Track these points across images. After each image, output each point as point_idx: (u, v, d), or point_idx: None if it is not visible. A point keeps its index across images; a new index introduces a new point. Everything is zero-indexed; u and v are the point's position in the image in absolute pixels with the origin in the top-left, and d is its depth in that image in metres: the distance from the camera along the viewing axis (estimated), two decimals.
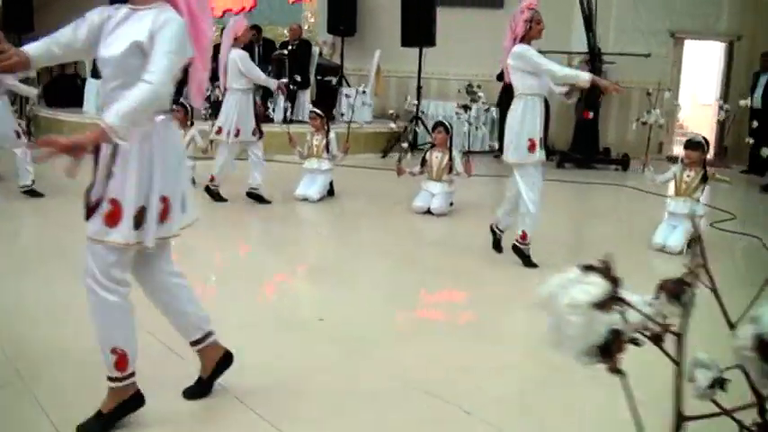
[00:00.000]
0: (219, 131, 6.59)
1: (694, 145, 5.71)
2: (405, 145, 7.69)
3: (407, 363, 3.30)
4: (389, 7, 12.40)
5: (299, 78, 10.01)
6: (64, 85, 11.51)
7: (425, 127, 10.86)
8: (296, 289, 4.71)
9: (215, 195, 6.68)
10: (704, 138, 5.85)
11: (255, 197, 6.74)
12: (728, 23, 12.33)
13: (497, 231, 5.31)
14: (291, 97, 10.32)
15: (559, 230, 6.35)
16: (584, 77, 4.77)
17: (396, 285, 4.74)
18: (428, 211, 6.58)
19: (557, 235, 6.03)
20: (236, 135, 6.54)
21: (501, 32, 11.77)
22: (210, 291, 4.36)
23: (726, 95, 11.67)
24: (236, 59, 6.38)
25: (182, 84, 9.22)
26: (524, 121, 4.80)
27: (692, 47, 12.65)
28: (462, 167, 6.63)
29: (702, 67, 14.22)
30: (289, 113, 10.20)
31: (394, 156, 10.33)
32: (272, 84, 7.03)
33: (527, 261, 4.97)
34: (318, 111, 7.25)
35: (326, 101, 10.48)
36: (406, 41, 10.90)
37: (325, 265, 5.26)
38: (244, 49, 6.60)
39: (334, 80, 11.29)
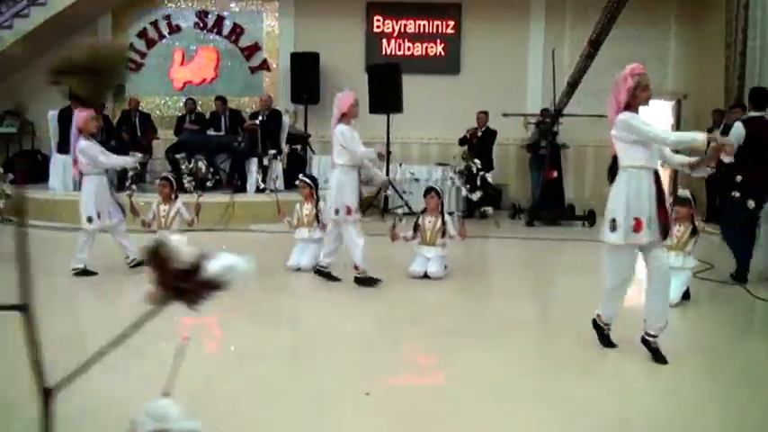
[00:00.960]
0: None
1: (683, 201, 6.00)
2: (399, 211, 7.79)
3: None
4: (352, 75, 12.71)
5: (273, 151, 10.13)
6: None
7: (396, 191, 11.07)
8: (328, 362, 4.66)
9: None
10: (691, 194, 6.14)
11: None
12: (674, 83, 13.04)
13: (603, 325, 4.67)
14: (263, 167, 10.40)
15: (555, 286, 6.53)
16: (701, 138, 4.23)
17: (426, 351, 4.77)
18: (425, 276, 6.66)
19: (553, 291, 6.19)
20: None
21: (458, 97, 12.49)
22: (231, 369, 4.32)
23: (676, 151, 12.20)
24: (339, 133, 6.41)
25: (174, 157, 9.21)
26: (619, 197, 4.35)
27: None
28: (457, 231, 6.77)
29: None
30: (260, 183, 10.27)
31: (367, 220, 10.51)
32: None
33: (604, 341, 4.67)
34: (308, 180, 7.31)
35: (297, 169, 10.60)
36: (374, 109, 11.13)
37: (354, 334, 5.23)
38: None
39: (299, 148, 11.46)
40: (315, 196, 7.24)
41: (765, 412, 3.71)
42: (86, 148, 6.58)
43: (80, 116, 6.67)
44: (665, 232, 4.33)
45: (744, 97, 10.68)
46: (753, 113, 7.05)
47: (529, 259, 8.19)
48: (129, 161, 7.32)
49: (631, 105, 4.26)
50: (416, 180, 11.12)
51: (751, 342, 5.23)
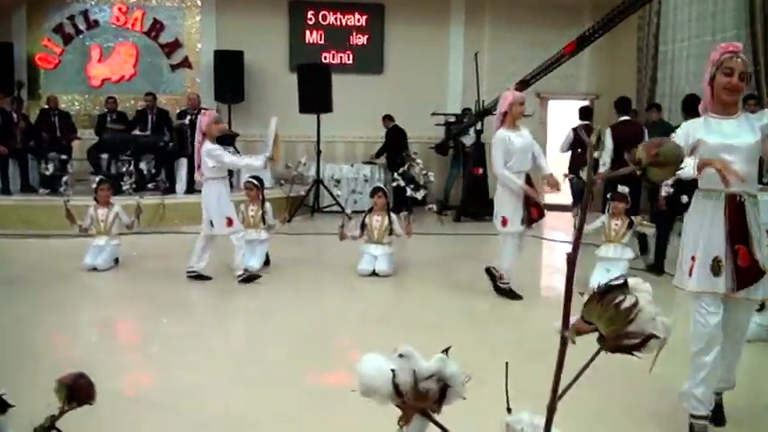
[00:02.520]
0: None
1: (620, 197, 6.39)
2: (348, 211, 7.86)
3: None
4: (277, 74, 12.69)
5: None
6: None
7: (327, 190, 11.14)
8: (277, 360, 4.70)
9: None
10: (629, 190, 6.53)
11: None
12: (587, 84, 13.64)
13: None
14: (193, 168, 10.24)
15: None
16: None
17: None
18: (373, 273, 6.79)
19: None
20: None
21: (381, 96, 12.63)
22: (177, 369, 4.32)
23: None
24: None
25: (96, 158, 8.98)
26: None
27: (555, 106, 13.77)
28: (402, 229, 6.93)
29: (564, 124, 15.43)
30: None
31: (299, 220, 10.55)
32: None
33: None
34: (255, 181, 7.29)
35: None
36: (304, 108, 11.16)
37: (310, 332, 5.27)
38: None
39: (230, 148, 11.31)
40: (261, 197, 7.23)
41: None
42: (213, 150, 6.37)
43: (203, 119, 6.46)
44: None
45: (655, 98, 11.32)
46: (622, 118, 8.21)
47: (466, 253, 8.44)
48: (257, 162, 6.91)
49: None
50: (338, 182, 11.25)
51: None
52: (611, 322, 0.66)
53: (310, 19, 13.13)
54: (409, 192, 6.84)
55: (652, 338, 0.66)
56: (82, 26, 12.46)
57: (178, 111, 11.24)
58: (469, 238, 9.43)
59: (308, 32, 13.15)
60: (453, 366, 0.71)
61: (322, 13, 13.15)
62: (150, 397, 3.64)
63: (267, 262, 7.21)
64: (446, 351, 0.72)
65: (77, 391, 0.99)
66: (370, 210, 7.09)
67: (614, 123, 8.33)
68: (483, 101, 11.52)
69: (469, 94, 12.35)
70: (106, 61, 12.52)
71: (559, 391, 0.63)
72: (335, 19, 13.21)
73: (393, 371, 0.70)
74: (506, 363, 0.83)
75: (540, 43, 12.96)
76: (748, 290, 3.12)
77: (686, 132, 3.19)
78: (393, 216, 7.02)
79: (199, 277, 6.54)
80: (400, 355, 0.69)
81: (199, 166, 6.53)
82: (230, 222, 6.47)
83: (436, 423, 0.69)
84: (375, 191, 7.11)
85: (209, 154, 6.36)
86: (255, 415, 3.50)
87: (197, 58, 12.87)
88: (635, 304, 0.65)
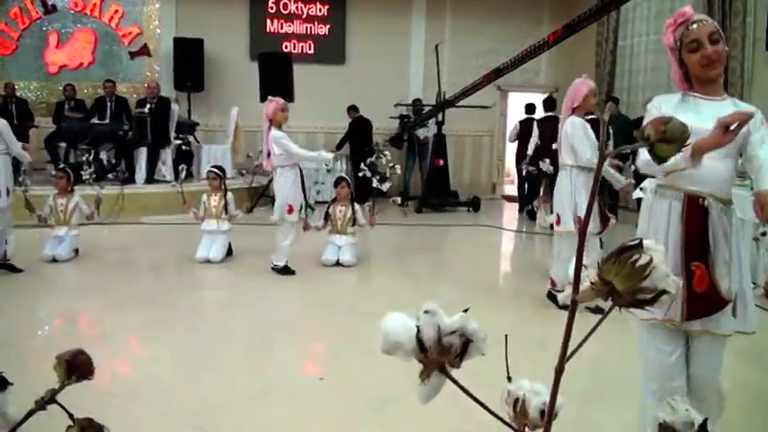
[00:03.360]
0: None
1: None
2: (311, 201, 7.87)
3: None
4: (237, 62, 12.60)
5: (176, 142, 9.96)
6: None
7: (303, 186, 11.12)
8: (243, 349, 4.72)
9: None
10: None
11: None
12: (546, 77, 13.83)
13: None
14: (153, 157, 10.15)
15: (458, 269, 6.87)
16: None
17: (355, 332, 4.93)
18: (337, 263, 6.83)
19: (461, 274, 6.54)
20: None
21: (343, 87, 12.63)
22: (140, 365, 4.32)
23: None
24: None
25: (55, 147, 8.83)
26: None
27: (515, 98, 13.93)
28: (366, 219, 6.98)
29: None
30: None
31: (261, 210, 10.51)
32: None
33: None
34: (218, 171, 7.25)
35: (185, 158, 10.44)
36: (266, 98, 11.07)
37: (284, 324, 5.29)
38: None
39: (190, 138, 11.23)
40: (223, 187, 7.20)
41: None
42: (280, 137, 6.28)
43: (270, 106, 6.36)
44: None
45: (613, 91, 11.53)
46: (547, 114, 9.66)
47: (428, 243, 8.54)
48: (325, 155, 6.89)
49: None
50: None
51: None
52: (627, 278, 0.71)
53: (271, 7, 13.07)
54: (375, 183, 6.87)
55: (664, 293, 0.71)
56: (40, 10, 12.19)
57: (137, 99, 11.10)
58: (431, 229, 9.53)
59: (269, 21, 13.09)
60: (474, 323, 0.76)
61: (283, 2, 13.10)
62: (116, 388, 3.62)
63: (230, 252, 7.19)
64: (466, 311, 0.76)
65: (77, 366, 1.02)
66: (334, 200, 7.12)
67: (540, 118, 9.79)
68: (444, 92, 11.59)
69: (431, 86, 12.43)
70: (64, 48, 12.30)
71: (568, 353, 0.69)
72: (297, 8, 13.18)
73: (418, 326, 0.74)
74: (506, 335, 0.89)
75: (501, 35, 13.14)
76: (705, 321, 2.41)
77: (659, 108, 2.57)
78: (356, 206, 7.06)
79: (285, 270, 6.48)
80: (425, 312, 0.75)
81: (268, 155, 6.43)
82: (290, 210, 6.42)
83: (453, 380, 0.75)
84: (338, 181, 7.13)
85: (277, 142, 6.30)
86: (225, 400, 3.52)
87: (156, 46, 12.72)
88: (650, 262, 0.71)
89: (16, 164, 7.81)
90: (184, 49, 12.01)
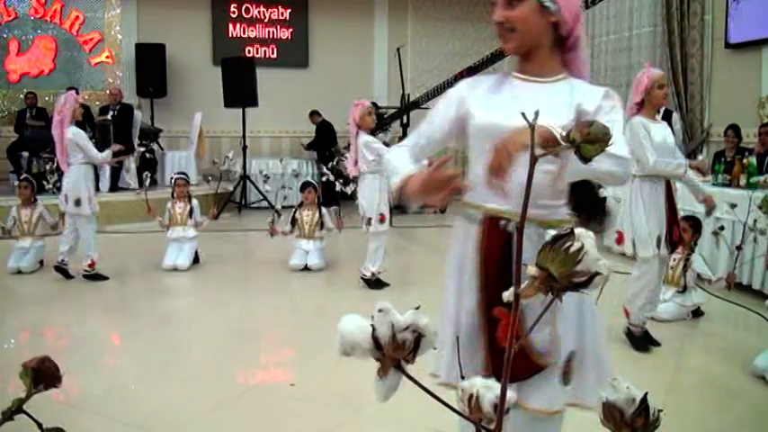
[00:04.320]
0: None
1: None
2: (278, 206, 7.87)
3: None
4: (200, 67, 12.53)
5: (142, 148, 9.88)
6: None
7: (255, 185, 11.10)
8: (210, 358, 4.71)
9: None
10: None
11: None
12: None
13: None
14: (118, 165, 10.06)
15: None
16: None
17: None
18: (305, 268, 6.85)
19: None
20: None
21: (307, 90, 12.63)
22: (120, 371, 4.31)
23: None
24: None
25: (17, 156, 8.68)
26: None
27: None
28: (334, 223, 7.01)
29: None
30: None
31: (227, 216, 10.48)
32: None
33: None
34: (185, 177, 7.23)
35: (149, 166, 10.38)
36: (229, 102, 11.08)
37: (251, 329, 5.29)
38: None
39: (154, 145, 11.16)
40: (188, 194, 7.18)
41: None
42: (371, 141, 6.03)
43: (356, 110, 6.07)
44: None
45: None
46: None
47: (396, 246, 8.58)
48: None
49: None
50: (267, 177, 11.23)
51: None
52: (562, 264, 0.74)
53: (233, 12, 13.02)
54: (339, 186, 6.90)
55: (597, 276, 0.75)
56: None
57: (100, 106, 10.99)
58: (400, 231, 9.55)
59: (231, 26, 13.05)
60: (425, 319, 0.79)
61: (245, 6, 13.06)
62: (82, 401, 3.61)
63: (197, 260, 7.17)
64: (417, 308, 0.79)
65: (44, 374, 1.02)
66: (301, 204, 7.14)
67: None
68: (408, 95, 11.66)
69: (395, 88, 12.49)
70: (24, 55, 12.11)
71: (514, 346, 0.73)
72: (259, 12, 13.15)
73: (372, 325, 0.78)
74: (457, 337, 0.91)
75: (463, 38, 13.26)
76: (519, 388, 1.77)
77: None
78: (324, 210, 7.09)
79: (377, 283, 6.23)
80: (379, 310, 0.78)
81: (355, 162, 6.16)
82: (383, 219, 6.15)
83: (408, 376, 0.78)
84: (305, 186, 7.15)
85: (368, 146, 6.01)
86: (192, 410, 3.53)
87: (118, 52, 12.57)
88: (581, 248, 0.75)
89: None
90: (146, 55, 11.92)
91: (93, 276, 6.40)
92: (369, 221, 6.09)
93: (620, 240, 4.59)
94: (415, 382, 0.78)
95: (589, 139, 0.84)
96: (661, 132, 4.35)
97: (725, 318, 5.42)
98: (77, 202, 6.31)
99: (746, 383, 3.99)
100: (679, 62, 9.57)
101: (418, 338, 0.79)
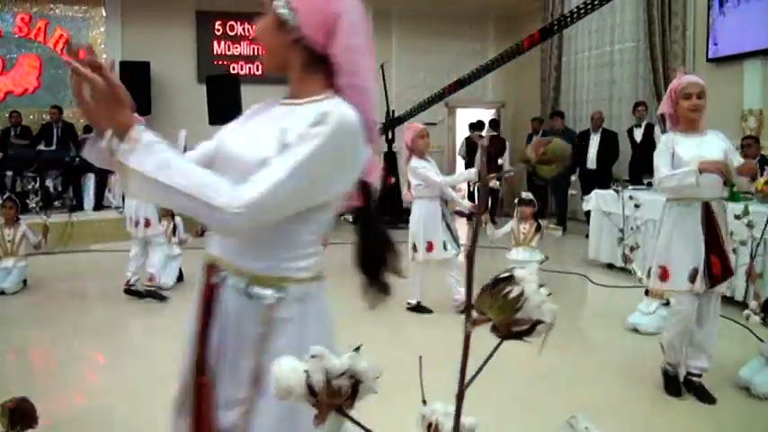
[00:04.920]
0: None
1: (527, 202, 6.63)
2: None
3: None
4: (184, 85, 12.53)
5: None
6: None
7: None
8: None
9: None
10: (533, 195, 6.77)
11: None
12: (494, 93, 14.04)
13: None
14: (101, 184, 10.05)
15: None
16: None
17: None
18: None
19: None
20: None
21: None
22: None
23: None
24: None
25: (0, 175, 8.59)
26: None
27: (463, 114, 14.11)
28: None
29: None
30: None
31: (211, 233, 10.41)
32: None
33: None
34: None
35: None
36: (214, 120, 11.06)
37: None
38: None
39: None
40: (170, 211, 7.14)
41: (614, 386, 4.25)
42: (417, 167, 5.77)
43: (408, 134, 5.82)
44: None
45: (558, 106, 11.77)
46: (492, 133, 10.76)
47: None
48: (465, 174, 6.57)
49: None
50: None
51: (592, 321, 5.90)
52: (501, 311, 0.70)
53: (218, 30, 13.05)
54: None
55: (539, 324, 0.70)
56: None
57: (84, 124, 10.94)
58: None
59: (215, 43, 13.07)
60: (364, 363, 0.75)
61: (229, 23, 13.08)
62: (69, 423, 3.58)
63: (181, 278, 7.12)
64: (357, 349, 0.76)
65: (21, 415, 1.02)
66: None
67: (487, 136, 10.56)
68: (393, 110, 11.69)
69: (380, 104, 12.51)
70: (9, 74, 12.05)
71: (466, 380, 0.71)
72: (243, 29, 13.16)
73: (306, 371, 0.74)
74: (420, 356, 0.89)
75: (447, 53, 13.33)
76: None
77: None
78: None
79: (418, 308, 6.00)
80: (312, 356, 0.75)
81: (408, 186, 5.98)
82: (430, 248, 5.81)
83: (350, 418, 0.75)
84: None
85: (414, 171, 5.80)
86: None
87: None
88: (521, 294, 0.70)
89: None
90: (131, 73, 11.86)
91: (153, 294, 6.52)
92: (414, 248, 5.88)
93: (664, 276, 3.89)
94: (360, 425, 0.75)
95: (545, 159, 0.80)
96: (694, 148, 3.75)
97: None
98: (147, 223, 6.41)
99: (731, 394, 4.01)
100: (662, 77, 9.66)
101: (356, 384, 0.75)
